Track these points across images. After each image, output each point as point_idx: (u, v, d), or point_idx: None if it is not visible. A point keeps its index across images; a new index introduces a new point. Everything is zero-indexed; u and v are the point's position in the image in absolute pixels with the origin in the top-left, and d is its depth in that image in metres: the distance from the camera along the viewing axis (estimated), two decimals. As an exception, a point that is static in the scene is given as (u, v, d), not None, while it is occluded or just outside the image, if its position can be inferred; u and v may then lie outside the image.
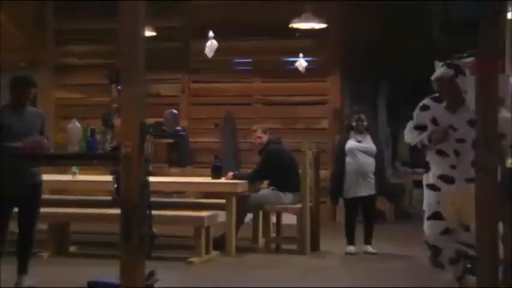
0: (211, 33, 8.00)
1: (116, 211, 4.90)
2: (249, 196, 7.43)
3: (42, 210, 6.09)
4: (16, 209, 5.51)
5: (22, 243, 5.50)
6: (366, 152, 7.28)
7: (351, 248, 7.30)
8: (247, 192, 7.42)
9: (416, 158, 14.16)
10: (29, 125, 5.47)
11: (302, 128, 10.14)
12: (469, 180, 4.76)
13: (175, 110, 9.59)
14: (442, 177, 5.03)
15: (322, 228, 7.64)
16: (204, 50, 8.19)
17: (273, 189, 7.45)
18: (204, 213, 6.89)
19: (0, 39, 9.42)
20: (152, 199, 5.05)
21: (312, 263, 6.87)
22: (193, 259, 6.63)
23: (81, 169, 7.62)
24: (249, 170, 7.82)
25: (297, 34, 9.17)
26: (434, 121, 5.09)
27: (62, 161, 5.99)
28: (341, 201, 7.63)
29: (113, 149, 5.14)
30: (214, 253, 6.93)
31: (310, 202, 7.39)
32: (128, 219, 4.76)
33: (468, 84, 5.13)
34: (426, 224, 5.15)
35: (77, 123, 5.76)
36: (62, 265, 6.56)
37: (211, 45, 8.10)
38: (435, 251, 5.07)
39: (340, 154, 7.37)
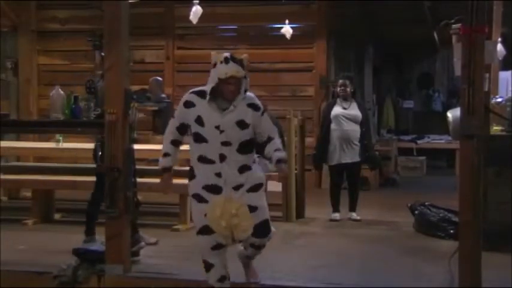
0: (196, -1, 7.95)
1: (101, 179, 4.91)
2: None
3: (27, 177, 6.06)
4: None
5: None
6: (351, 119, 7.24)
7: (336, 215, 7.32)
8: (233, 159, 7.40)
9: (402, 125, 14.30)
10: None
11: (287, 95, 10.07)
12: (238, 187, 4.26)
13: (160, 77, 9.49)
14: (207, 188, 4.26)
15: (308, 196, 7.66)
16: (188, 16, 8.11)
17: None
18: (189, 181, 6.86)
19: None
20: (137, 166, 5.04)
21: (297, 229, 6.87)
22: (178, 226, 6.62)
23: (65, 136, 7.56)
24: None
25: (283, 0, 9.08)
26: (199, 120, 4.33)
27: (45, 128, 5.94)
28: (326, 168, 7.61)
29: (97, 116, 5.11)
30: (199, 220, 6.91)
31: (296, 169, 7.39)
32: (112, 187, 4.76)
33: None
34: (198, 239, 4.35)
35: (60, 90, 5.71)
36: (46, 232, 6.52)
37: (195, 11, 8.02)
38: (206, 266, 4.30)
39: (326, 120, 7.35)
